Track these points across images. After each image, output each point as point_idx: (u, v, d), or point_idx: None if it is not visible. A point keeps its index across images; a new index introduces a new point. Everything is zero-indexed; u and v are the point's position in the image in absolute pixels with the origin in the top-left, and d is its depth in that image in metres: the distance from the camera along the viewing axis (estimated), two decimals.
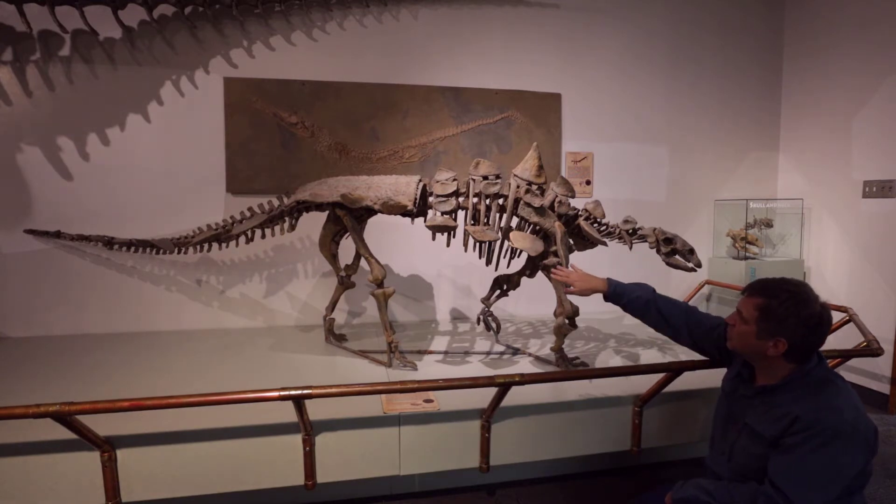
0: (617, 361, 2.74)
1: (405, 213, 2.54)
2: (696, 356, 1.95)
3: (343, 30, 3.50)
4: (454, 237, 2.61)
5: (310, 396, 1.70)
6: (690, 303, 3.98)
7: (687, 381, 2.13)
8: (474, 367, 2.64)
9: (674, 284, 4.12)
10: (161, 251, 3.05)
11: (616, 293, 2.02)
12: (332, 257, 2.92)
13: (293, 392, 1.70)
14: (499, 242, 2.59)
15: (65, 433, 1.67)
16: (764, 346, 1.49)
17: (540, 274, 2.77)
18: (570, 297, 2.37)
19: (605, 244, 2.65)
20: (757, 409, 1.53)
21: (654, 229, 2.60)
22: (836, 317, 2.82)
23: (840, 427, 1.34)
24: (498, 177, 2.56)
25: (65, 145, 3.20)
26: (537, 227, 2.52)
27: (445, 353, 2.90)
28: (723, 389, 1.74)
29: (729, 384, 1.71)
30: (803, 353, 1.49)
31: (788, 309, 1.46)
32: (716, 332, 1.84)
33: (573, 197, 2.62)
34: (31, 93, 3.13)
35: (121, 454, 1.83)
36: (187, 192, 3.37)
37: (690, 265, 2.58)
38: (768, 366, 1.53)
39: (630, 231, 2.63)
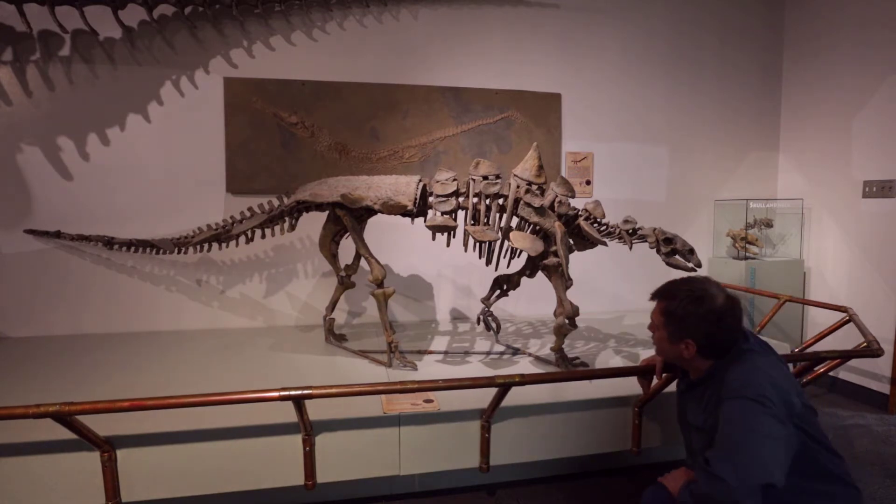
0: (617, 361, 2.74)
1: (405, 213, 2.54)
2: None
3: (343, 30, 3.50)
4: (454, 237, 2.61)
5: (310, 396, 1.71)
6: None
7: None
8: (474, 367, 2.64)
9: None
10: (161, 251, 3.05)
11: None
12: (332, 257, 2.92)
13: (293, 392, 1.70)
14: (499, 242, 2.59)
15: (65, 433, 1.68)
16: (678, 349, 1.51)
17: (540, 274, 2.77)
18: (570, 296, 2.37)
19: (605, 244, 2.65)
20: (692, 405, 1.57)
21: (654, 229, 2.60)
22: (836, 317, 2.84)
23: (751, 394, 1.34)
24: (498, 177, 2.56)
25: (65, 145, 3.20)
26: (537, 227, 2.52)
27: (445, 353, 2.90)
28: (677, 388, 1.80)
29: (678, 383, 1.77)
30: (714, 349, 1.49)
31: (686, 308, 1.46)
32: None
33: (573, 197, 2.62)
34: (31, 93, 3.13)
35: (121, 454, 1.83)
36: (187, 192, 3.37)
37: (690, 265, 2.58)
38: (691, 365, 1.56)
39: (630, 231, 2.63)
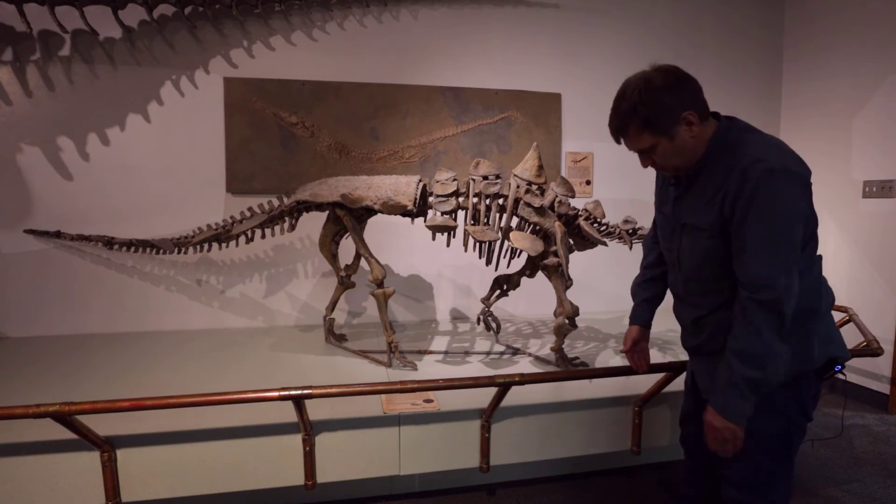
0: (617, 361, 2.74)
1: (405, 213, 2.54)
2: None
3: (343, 30, 3.50)
4: (454, 237, 2.61)
5: (310, 396, 1.71)
6: None
7: None
8: (474, 367, 2.64)
9: None
10: (161, 251, 3.05)
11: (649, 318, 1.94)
12: (332, 257, 2.92)
13: (293, 392, 1.70)
14: (499, 242, 2.59)
15: (65, 433, 1.68)
16: (685, 133, 1.42)
17: (540, 274, 2.77)
18: (570, 296, 2.37)
19: (605, 244, 2.65)
20: (691, 203, 1.49)
21: None
22: (837, 317, 2.83)
23: (772, 167, 1.29)
24: (498, 177, 2.56)
25: (65, 145, 3.20)
26: (537, 227, 2.52)
27: (445, 353, 2.90)
28: (657, 209, 1.77)
29: (659, 198, 1.73)
30: (704, 107, 1.47)
31: (652, 97, 1.40)
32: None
33: (573, 197, 2.62)
34: (31, 93, 3.13)
35: (121, 454, 1.83)
36: (187, 192, 3.37)
37: None
38: (693, 153, 1.47)
39: (630, 231, 2.63)
